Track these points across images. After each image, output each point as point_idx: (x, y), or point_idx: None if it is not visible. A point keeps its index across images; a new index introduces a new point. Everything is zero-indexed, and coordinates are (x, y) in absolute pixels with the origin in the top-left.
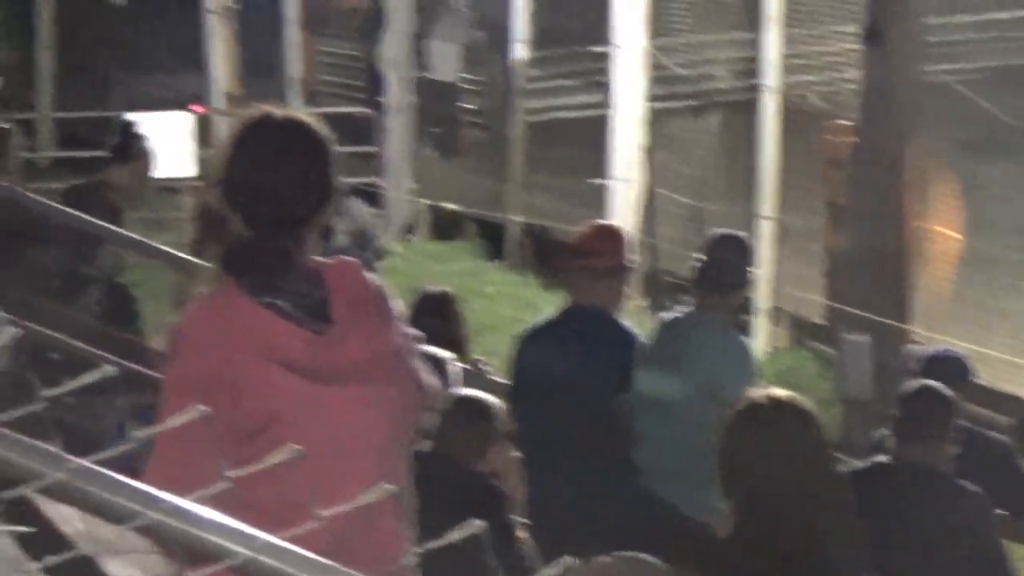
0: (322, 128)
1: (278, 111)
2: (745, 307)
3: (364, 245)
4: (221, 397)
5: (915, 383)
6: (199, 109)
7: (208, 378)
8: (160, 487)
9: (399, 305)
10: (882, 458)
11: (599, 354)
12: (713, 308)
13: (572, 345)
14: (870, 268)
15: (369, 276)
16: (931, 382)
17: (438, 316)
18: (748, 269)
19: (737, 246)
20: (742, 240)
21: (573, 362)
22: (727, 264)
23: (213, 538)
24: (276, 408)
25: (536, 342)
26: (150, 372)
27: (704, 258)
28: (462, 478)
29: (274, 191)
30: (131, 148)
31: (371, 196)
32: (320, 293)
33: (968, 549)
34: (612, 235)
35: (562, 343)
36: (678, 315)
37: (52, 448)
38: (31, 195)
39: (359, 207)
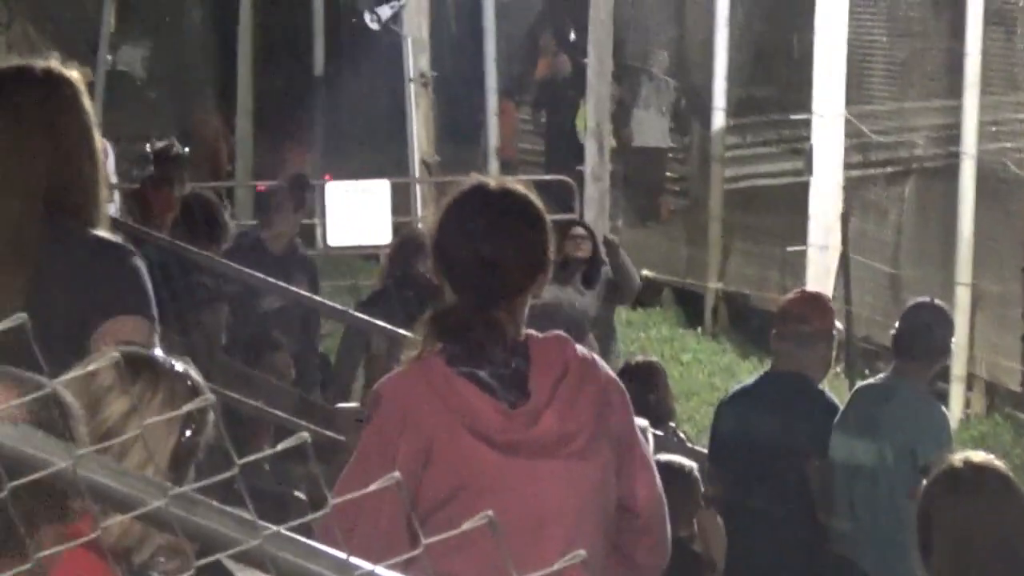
0: (536, 198)
1: (493, 181)
2: (941, 374)
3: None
4: (413, 464)
5: None
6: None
7: (402, 443)
8: (333, 545)
9: (614, 382)
10: None
11: (798, 420)
12: (910, 375)
13: (773, 411)
14: None
15: (582, 353)
16: None
17: (645, 386)
18: (946, 337)
19: (936, 314)
20: (940, 309)
21: (773, 427)
22: (925, 332)
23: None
24: (466, 477)
25: (738, 407)
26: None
27: (903, 325)
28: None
29: (487, 260)
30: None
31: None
32: (522, 365)
33: None
34: (818, 302)
35: (764, 409)
36: (875, 381)
37: (247, 515)
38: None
39: None
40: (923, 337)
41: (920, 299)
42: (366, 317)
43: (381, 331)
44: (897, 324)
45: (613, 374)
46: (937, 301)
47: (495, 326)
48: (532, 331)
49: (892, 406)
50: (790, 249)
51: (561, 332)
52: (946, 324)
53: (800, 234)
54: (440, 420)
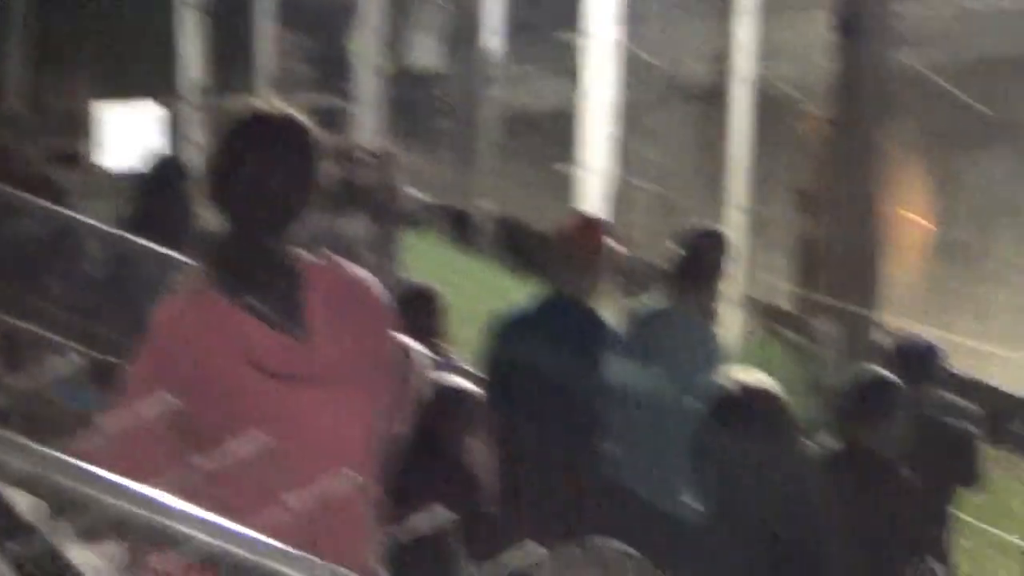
0: (311, 124)
1: (265, 105)
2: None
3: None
4: (188, 395)
5: (863, 369)
6: None
7: (174, 372)
8: (117, 472)
9: (387, 305)
10: (833, 444)
11: (577, 345)
12: (688, 300)
13: (548, 335)
14: (841, 256)
15: (356, 275)
16: (876, 369)
17: (419, 309)
18: (724, 262)
19: (713, 239)
20: (718, 233)
21: (549, 352)
22: (704, 259)
23: (180, 527)
24: (243, 408)
25: (511, 331)
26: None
27: (681, 252)
28: (441, 466)
29: (262, 189)
30: None
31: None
32: (299, 294)
33: (899, 529)
34: (593, 225)
35: (538, 333)
36: (654, 308)
37: (16, 438)
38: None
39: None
40: (701, 262)
41: (698, 223)
42: (135, 239)
43: (151, 253)
44: (675, 249)
45: (385, 298)
46: (715, 226)
47: (270, 255)
48: (307, 255)
49: (669, 332)
50: (561, 169)
51: (335, 256)
52: (724, 249)
53: (570, 155)
54: (216, 349)
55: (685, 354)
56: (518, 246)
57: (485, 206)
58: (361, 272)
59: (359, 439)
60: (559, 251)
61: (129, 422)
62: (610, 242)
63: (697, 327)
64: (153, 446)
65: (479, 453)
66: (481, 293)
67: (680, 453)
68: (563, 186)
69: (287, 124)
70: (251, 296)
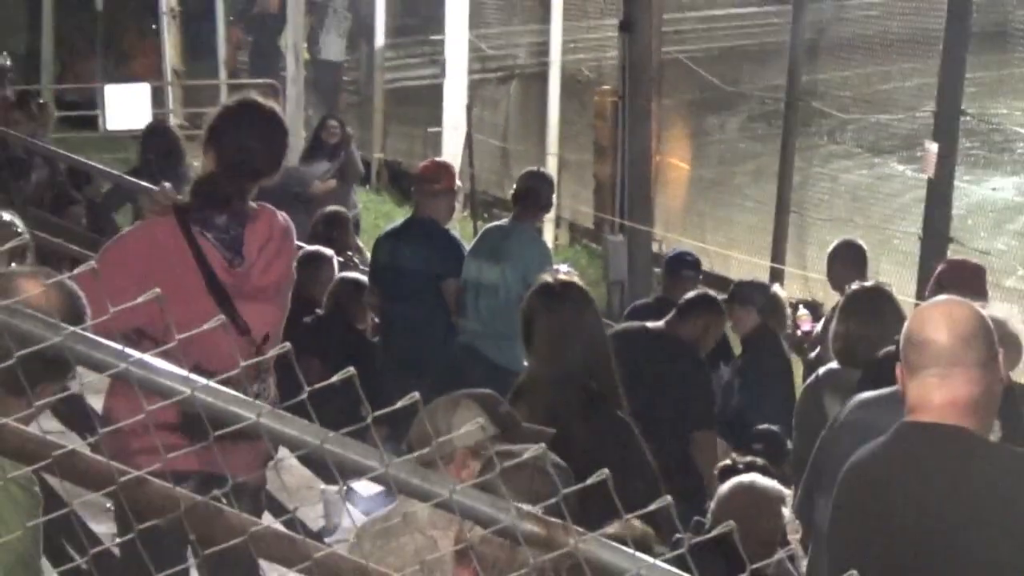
0: (281, 111)
1: (257, 99)
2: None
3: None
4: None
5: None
6: None
7: (137, 273)
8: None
9: (292, 243)
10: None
11: (430, 252)
12: (524, 220)
13: (412, 246)
14: (626, 189)
15: (283, 224)
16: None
17: (335, 226)
18: (550, 194)
19: (542, 178)
20: (545, 174)
21: (413, 257)
22: (536, 191)
23: (165, 381)
24: (186, 313)
25: (388, 243)
26: None
27: (519, 185)
28: (348, 334)
29: (244, 150)
30: None
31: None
32: (239, 232)
33: (681, 391)
34: (443, 167)
35: (405, 244)
36: (499, 224)
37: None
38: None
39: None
40: (533, 194)
41: (531, 167)
42: (130, 179)
43: (142, 189)
44: (515, 184)
45: (295, 244)
46: (543, 168)
47: (237, 198)
48: (256, 204)
49: (510, 242)
50: (431, 130)
51: (271, 208)
52: (550, 184)
53: (438, 120)
54: (172, 262)
55: (522, 256)
56: (400, 185)
57: (378, 156)
58: (282, 217)
59: (272, 333)
60: (418, 186)
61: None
62: (454, 179)
63: (530, 238)
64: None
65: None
66: (376, 217)
67: (515, 326)
68: (434, 142)
69: (269, 112)
70: (207, 227)
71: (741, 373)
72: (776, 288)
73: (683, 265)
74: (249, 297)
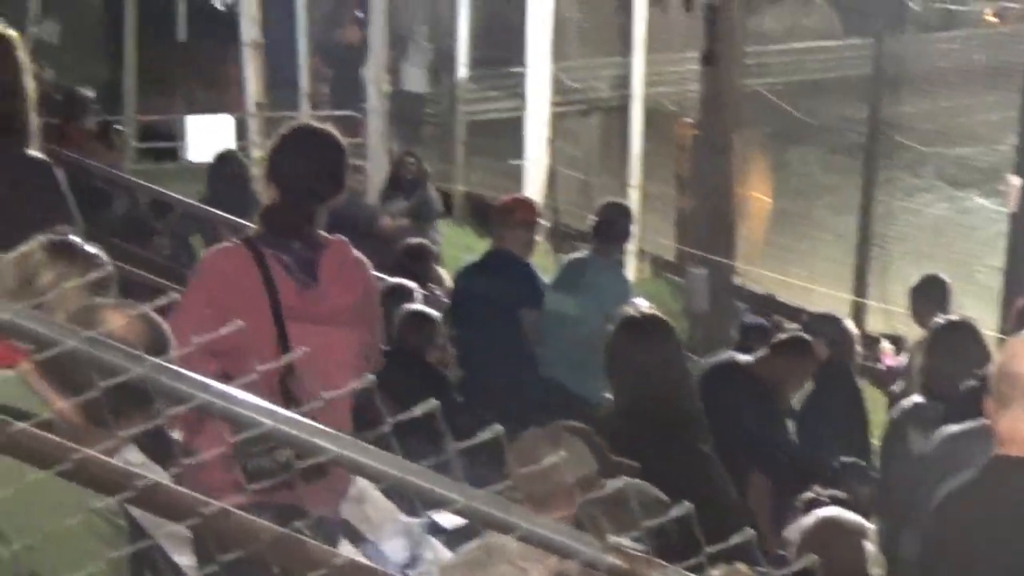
0: (339, 135)
1: (313, 122)
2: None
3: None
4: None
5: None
6: None
7: (214, 302)
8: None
9: (372, 276)
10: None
11: (509, 284)
12: (603, 252)
13: (491, 278)
14: (706, 222)
15: (356, 255)
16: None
17: (418, 259)
18: (628, 225)
19: (620, 209)
20: (624, 205)
21: (492, 289)
22: (615, 222)
23: (246, 412)
24: (261, 338)
25: (468, 275)
26: None
27: (598, 217)
28: (419, 367)
29: (304, 176)
30: None
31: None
32: (313, 256)
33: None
34: (524, 202)
35: (485, 276)
36: (579, 255)
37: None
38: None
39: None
40: (611, 225)
41: (609, 198)
42: (204, 207)
43: (219, 219)
44: (594, 216)
45: (373, 276)
46: (621, 200)
47: (304, 223)
48: (325, 233)
49: (589, 274)
50: (512, 162)
51: (344, 239)
52: (628, 215)
53: (519, 152)
54: (245, 289)
55: (601, 288)
56: (481, 217)
57: (460, 188)
58: (357, 252)
59: (347, 359)
60: (497, 220)
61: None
62: (534, 213)
63: (610, 270)
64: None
65: (446, 357)
66: (458, 249)
67: (595, 357)
68: (516, 175)
69: (324, 134)
70: (282, 252)
71: (812, 405)
72: (846, 321)
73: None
74: (323, 320)
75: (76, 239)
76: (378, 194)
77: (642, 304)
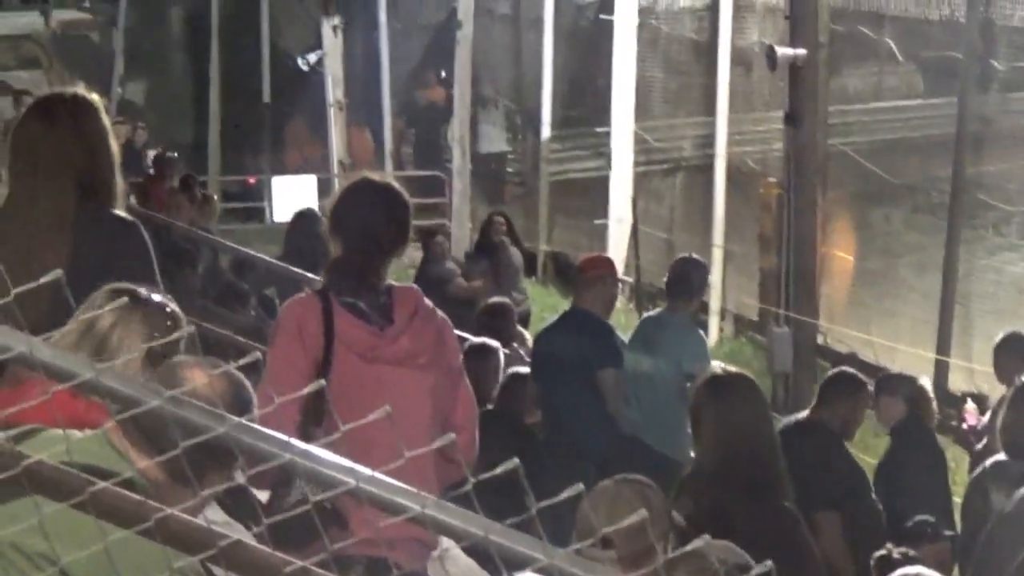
0: (403, 189)
1: (375, 176)
2: (702, 308)
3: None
4: (310, 368)
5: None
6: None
7: (302, 353)
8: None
9: (445, 321)
10: (798, 417)
11: (587, 342)
12: (679, 309)
13: (570, 336)
14: (791, 280)
15: (427, 301)
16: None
17: (500, 318)
18: (702, 281)
19: (694, 264)
20: (697, 260)
21: (571, 348)
22: (687, 278)
23: (329, 472)
24: (343, 381)
25: (548, 335)
26: None
27: (671, 274)
28: (517, 429)
29: (368, 230)
30: None
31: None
32: (387, 302)
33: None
34: (602, 260)
35: (564, 335)
36: (655, 314)
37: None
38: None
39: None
40: (685, 280)
41: (683, 255)
42: (281, 264)
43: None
44: (667, 273)
45: (448, 324)
46: (695, 255)
47: (371, 274)
48: (393, 282)
49: (666, 332)
50: (596, 222)
51: (414, 285)
52: (702, 271)
53: (603, 211)
54: (323, 336)
55: (677, 346)
56: (565, 277)
57: (544, 248)
58: (427, 300)
59: (426, 406)
60: (577, 279)
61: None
62: (613, 272)
63: (685, 327)
64: (291, 418)
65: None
66: (543, 309)
67: (678, 415)
68: (600, 234)
69: (386, 188)
70: (355, 299)
71: (890, 463)
72: (923, 379)
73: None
74: (398, 361)
75: (155, 296)
76: (463, 255)
77: (726, 365)
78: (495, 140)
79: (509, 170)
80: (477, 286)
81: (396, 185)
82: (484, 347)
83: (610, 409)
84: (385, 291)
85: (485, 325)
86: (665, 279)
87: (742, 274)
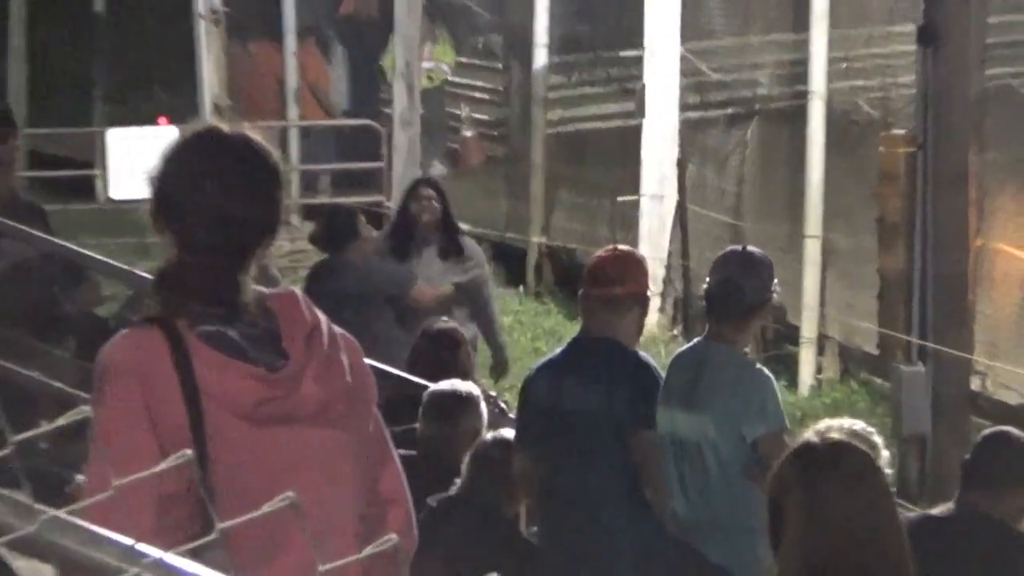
0: (271, 148)
1: (225, 127)
2: (785, 336)
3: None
4: (172, 434)
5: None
6: (164, 121)
7: (142, 433)
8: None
9: (353, 345)
10: (941, 509)
11: (611, 390)
12: (725, 336)
13: (582, 381)
14: (928, 291)
15: (315, 309)
16: (1008, 428)
17: (444, 346)
18: (760, 288)
19: (746, 263)
20: (752, 255)
21: (584, 399)
22: (735, 285)
23: None
24: (219, 453)
25: (545, 379)
26: None
27: (711, 280)
28: (493, 526)
29: (224, 214)
30: None
31: (376, 217)
32: (271, 324)
33: None
34: (630, 260)
35: (572, 379)
36: (691, 346)
37: (23, 498)
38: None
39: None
40: (733, 291)
41: (731, 247)
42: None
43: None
44: (707, 278)
45: (355, 343)
46: (750, 247)
47: (236, 283)
48: (262, 288)
49: (707, 373)
50: (621, 200)
51: (294, 288)
52: (760, 272)
53: (632, 183)
54: (183, 389)
55: (726, 396)
56: (572, 286)
57: (538, 241)
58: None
59: (349, 483)
60: (590, 290)
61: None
62: (646, 278)
63: (737, 366)
64: (140, 505)
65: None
66: (533, 336)
67: (747, 510)
68: (627, 218)
69: (246, 145)
70: (224, 327)
71: None
72: None
73: None
74: (304, 418)
75: None
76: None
77: (832, 426)
78: (459, 71)
79: (482, 118)
80: (448, 292)
81: (256, 138)
82: (453, 395)
83: (650, 495)
84: (259, 307)
85: (425, 354)
86: (705, 288)
87: (851, 282)
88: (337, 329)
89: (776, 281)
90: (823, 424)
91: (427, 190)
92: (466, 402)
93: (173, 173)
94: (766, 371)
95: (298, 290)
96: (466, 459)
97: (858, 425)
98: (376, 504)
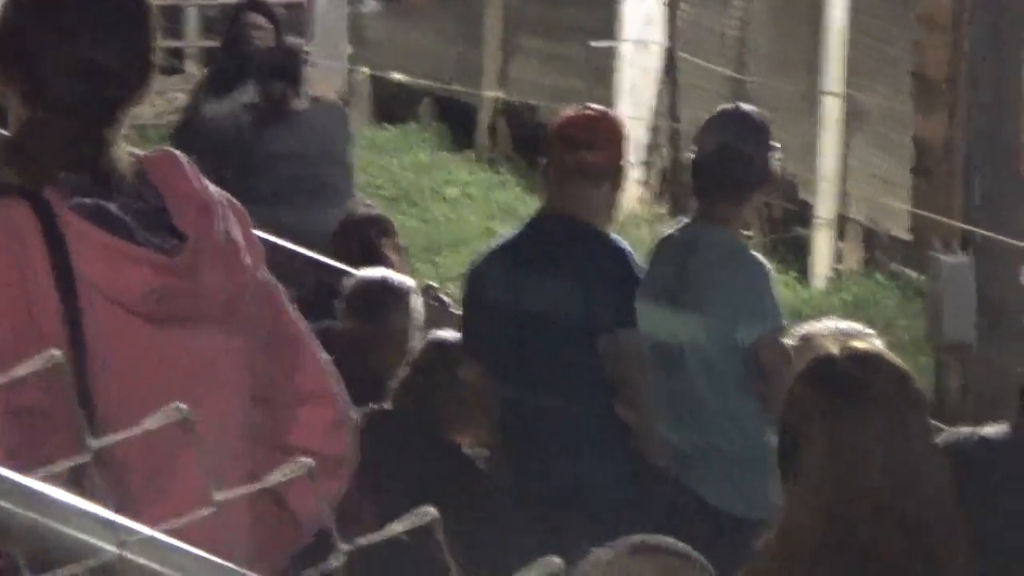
0: None
1: None
2: (796, 216)
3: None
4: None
5: None
6: None
7: (16, 303)
8: None
9: (241, 212)
10: (995, 430)
11: (580, 283)
12: (717, 217)
13: (543, 269)
14: (976, 164)
15: (200, 175)
16: None
17: (370, 243)
18: (758, 157)
19: (739, 125)
20: (747, 116)
21: (550, 291)
22: (727, 154)
23: (72, 531)
24: (104, 358)
25: (499, 267)
26: None
27: (699, 148)
28: (433, 447)
29: (87, 64)
30: None
31: (293, 64)
32: (154, 197)
33: None
34: (605, 122)
35: (532, 268)
36: (677, 230)
37: None
38: None
39: None
40: (725, 161)
41: (722, 107)
42: None
43: None
44: (695, 147)
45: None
46: (743, 106)
47: (108, 146)
48: (136, 150)
49: (695, 262)
50: (595, 45)
51: (168, 150)
52: (756, 137)
53: (609, 25)
54: (56, 275)
55: (719, 291)
56: (533, 151)
57: (491, 96)
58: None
59: (246, 387)
60: (556, 158)
61: None
62: (623, 145)
63: (731, 254)
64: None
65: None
66: (484, 213)
67: (744, 433)
68: (601, 68)
69: None
70: (102, 200)
71: None
72: None
73: None
74: (215, 321)
75: None
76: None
77: (840, 328)
78: None
79: None
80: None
81: None
82: (384, 285)
83: (629, 416)
84: (138, 178)
85: (350, 239)
86: (693, 158)
87: (879, 151)
88: (224, 194)
89: (779, 147)
90: (803, 328)
91: (255, 15)
92: (398, 294)
93: (21, 14)
94: (759, 257)
95: (178, 152)
96: (400, 366)
97: (849, 326)
98: (285, 406)
